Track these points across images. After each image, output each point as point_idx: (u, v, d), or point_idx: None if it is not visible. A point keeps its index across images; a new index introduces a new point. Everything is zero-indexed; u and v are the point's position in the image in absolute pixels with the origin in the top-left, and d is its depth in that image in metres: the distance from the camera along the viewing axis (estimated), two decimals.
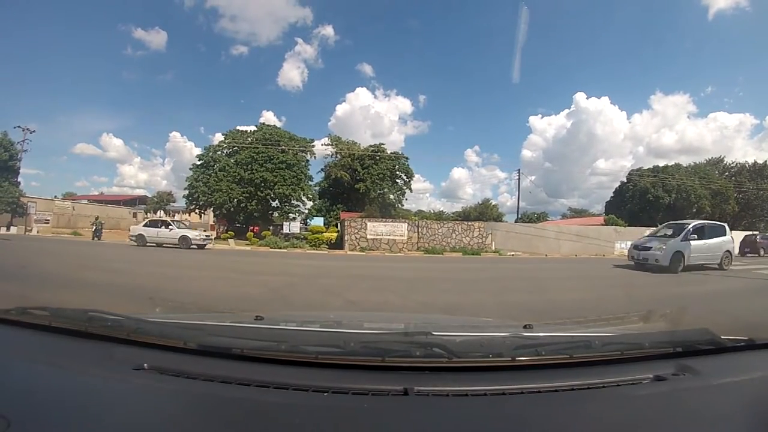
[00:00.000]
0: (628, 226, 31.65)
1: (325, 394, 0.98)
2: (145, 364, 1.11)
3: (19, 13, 68.08)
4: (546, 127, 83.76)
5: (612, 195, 46.30)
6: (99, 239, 24.31)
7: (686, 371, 1.18)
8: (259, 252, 20.87)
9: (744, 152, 77.61)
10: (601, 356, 1.25)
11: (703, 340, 1.38)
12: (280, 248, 23.03)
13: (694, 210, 41.39)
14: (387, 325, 2.28)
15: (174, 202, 61.30)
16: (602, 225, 33.29)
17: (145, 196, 66.41)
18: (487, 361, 1.18)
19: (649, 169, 44.49)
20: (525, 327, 1.68)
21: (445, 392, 1.01)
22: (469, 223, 26.41)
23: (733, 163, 47.26)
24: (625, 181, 44.83)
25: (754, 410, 1.04)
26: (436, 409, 0.96)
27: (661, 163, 45.63)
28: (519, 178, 40.85)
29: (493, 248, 24.75)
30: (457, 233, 25.14)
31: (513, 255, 23.52)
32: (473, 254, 23.38)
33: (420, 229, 24.76)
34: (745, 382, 1.20)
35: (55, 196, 48.78)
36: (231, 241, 26.27)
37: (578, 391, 1.05)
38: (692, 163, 47.14)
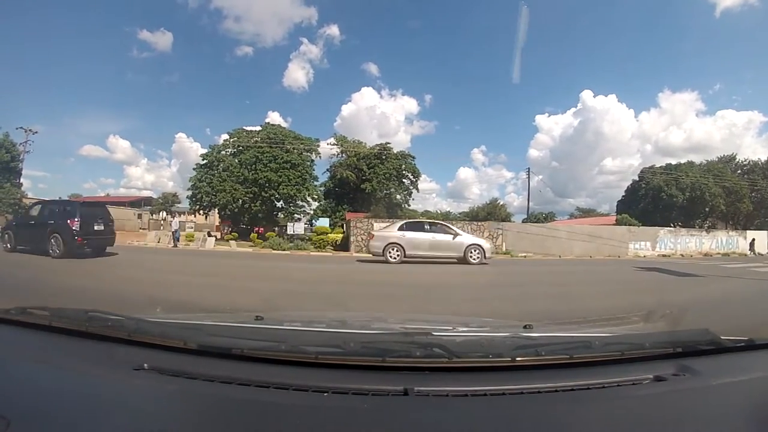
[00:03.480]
0: (642, 225, 30.75)
1: (325, 394, 0.98)
2: (145, 364, 1.10)
3: (24, 16, 68.21)
4: (553, 126, 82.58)
5: (624, 194, 45.29)
6: None
7: (686, 371, 1.18)
8: (259, 254, 20.07)
9: (753, 150, 75.78)
10: (601, 356, 1.25)
11: (703, 340, 1.38)
12: (283, 250, 22.29)
13: (707, 209, 40.40)
14: (387, 325, 2.29)
15: (179, 203, 61.11)
16: (614, 225, 32.41)
17: (150, 197, 66.36)
18: (487, 361, 1.18)
19: (661, 167, 43.53)
20: (525, 327, 1.67)
21: (445, 392, 1.01)
22: (479, 224, 25.55)
23: (745, 160, 46.11)
24: (638, 179, 43.85)
25: (754, 410, 1.04)
26: (436, 409, 0.96)
27: (669, 162, 44.90)
28: (528, 177, 40.08)
29: (504, 249, 23.87)
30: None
31: (525, 256, 22.66)
32: None
33: None
34: (745, 383, 1.20)
35: (60, 198, 48.43)
36: (232, 242, 25.62)
37: (578, 392, 1.05)
38: (704, 161, 46.13)
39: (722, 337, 1.40)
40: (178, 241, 22.80)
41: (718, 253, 28.57)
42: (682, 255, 27.37)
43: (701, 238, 30.31)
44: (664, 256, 26.59)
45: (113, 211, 50.16)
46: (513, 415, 0.95)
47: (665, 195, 39.26)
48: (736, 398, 1.12)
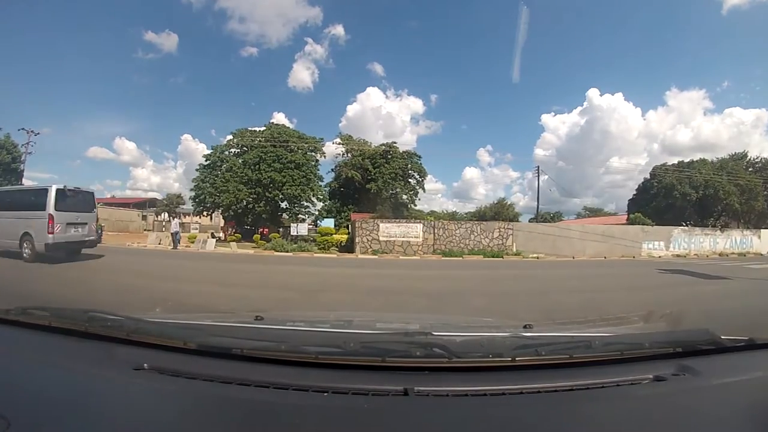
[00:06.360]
0: (654, 224, 29.89)
1: (325, 394, 0.98)
2: (145, 364, 1.11)
3: (31, 19, 68.46)
4: (559, 125, 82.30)
5: (635, 192, 44.19)
6: (98, 242, 23.13)
7: (686, 371, 1.18)
8: (260, 257, 19.26)
9: (761, 148, 74.92)
10: (601, 356, 1.24)
11: (703, 340, 1.37)
12: (286, 252, 21.56)
13: (720, 208, 39.39)
14: (387, 325, 2.27)
15: (183, 204, 60.86)
16: (626, 224, 31.56)
17: (156, 198, 66.17)
18: (487, 361, 1.18)
19: (673, 164, 42.54)
20: (525, 327, 1.67)
21: (445, 392, 1.01)
22: (489, 223, 24.76)
23: (757, 158, 44.84)
24: (649, 177, 42.86)
25: (754, 410, 1.04)
26: (436, 409, 0.96)
27: (676, 161, 43.88)
28: (538, 176, 39.24)
29: (514, 250, 23.12)
30: (475, 234, 23.42)
31: (537, 257, 21.89)
32: (494, 257, 21.77)
33: (436, 230, 23.11)
34: (745, 382, 1.20)
35: None
36: (233, 244, 24.98)
37: (578, 392, 1.05)
38: (716, 158, 45.04)
39: (722, 337, 1.39)
40: (179, 242, 22.20)
41: (733, 253, 27.80)
42: (696, 255, 26.63)
43: (715, 237, 29.49)
44: (678, 256, 25.85)
45: (118, 212, 49.49)
46: (513, 415, 0.95)
47: (678, 193, 38.28)
48: (736, 398, 1.11)
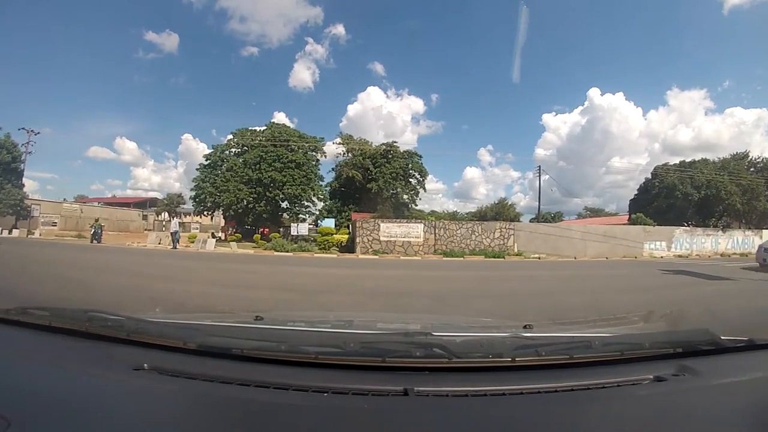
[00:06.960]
0: (656, 225, 29.80)
1: (325, 394, 0.97)
2: (145, 364, 1.11)
3: (32, 19, 68.57)
4: (560, 124, 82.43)
5: (636, 192, 44.09)
6: (98, 242, 23.17)
7: (686, 372, 1.18)
8: (260, 257, 19.12)
9: (762, 148, 74.85)
10: (601, 357, 1.24)
11: (703, 340, 1.37)
12: (286, 251, 21.50)
13: (721, 208, 39.31)
14: (387, 325, 2.25)
15: (184, 204, 60.89)
16: (627, 224, 31.47)
17: (156, 198, 66.22)
18: (487, 361, 1.17)
19: (675, 164, 42.44)
20: (525, 327, 1.66)
21: (445, 392, 1.01)
22: (490, 223, 24.68)
23: (758, 158, 44.68)
24: (650, 177, 42.75)
25: (754, 411, 1.04)
26: (436, 410, 0.96)
27: (677, 160, 43.76)
28: (539, 176, 39.14)
29: (516, 250, 23.05)
30: (477, 234, 23.35)
31: (539, 258, 21.82)
32: (495, 257, 21.71)
33: (437, 230, 23.04)
34: (745, 383, 1.20)
35: (64, 199, 48.29)
36: (233, 244, 24.89)
37: (578, 392, 1.04)
38: (718, 158, 44.91)
39: (722, 337, 1.38)
40: (178, 242, 22.19)
41: (735, 254, 27.64)
42: (698, 255, 26.53)
43: (717, 237, 29.39)
44: (679, 256, 25.75)
45: (119, 212, 49.59)
46: (513, 415, 0.95)
47: (680, 193, 38.17)
48: (736, 398, 1.11)
